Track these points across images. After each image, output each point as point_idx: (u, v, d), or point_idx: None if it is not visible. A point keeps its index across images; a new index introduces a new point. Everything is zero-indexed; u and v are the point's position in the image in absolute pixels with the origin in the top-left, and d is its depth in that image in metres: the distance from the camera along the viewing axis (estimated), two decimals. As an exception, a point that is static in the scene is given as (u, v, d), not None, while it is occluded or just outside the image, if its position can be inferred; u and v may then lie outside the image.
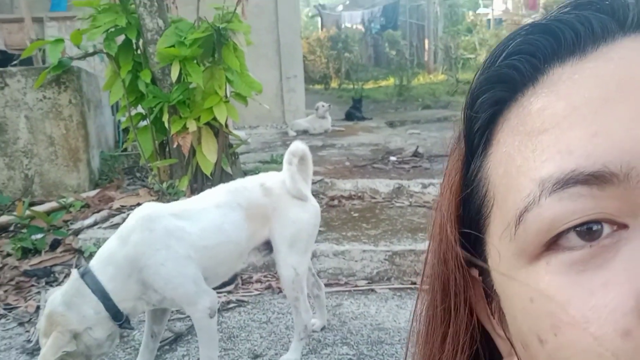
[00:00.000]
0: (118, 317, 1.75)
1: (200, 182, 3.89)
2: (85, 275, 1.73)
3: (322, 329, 2.36)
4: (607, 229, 0.27)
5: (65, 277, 2.75)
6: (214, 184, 3.20)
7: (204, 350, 1.88)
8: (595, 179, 0.27)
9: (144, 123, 4.11)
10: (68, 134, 4.22)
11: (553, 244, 0.29)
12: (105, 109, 5.12)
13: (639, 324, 0.24)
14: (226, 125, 4.06)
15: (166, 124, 3.86)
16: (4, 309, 2.56)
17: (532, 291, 0.29)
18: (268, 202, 2.02)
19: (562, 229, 0.28)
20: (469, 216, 0.37)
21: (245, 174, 3.87)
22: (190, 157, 3.91)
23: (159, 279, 1.76)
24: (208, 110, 3.81)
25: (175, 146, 3.89)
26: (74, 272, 1.77)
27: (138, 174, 4.59)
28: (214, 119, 3.81)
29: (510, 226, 0.31)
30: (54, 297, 1.71)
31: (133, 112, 4.05)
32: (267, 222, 2.02)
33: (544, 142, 0.30)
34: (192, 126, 3.79)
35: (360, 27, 17.47)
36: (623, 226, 0.27)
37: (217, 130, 3.96)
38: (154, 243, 1.78)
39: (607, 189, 0.27)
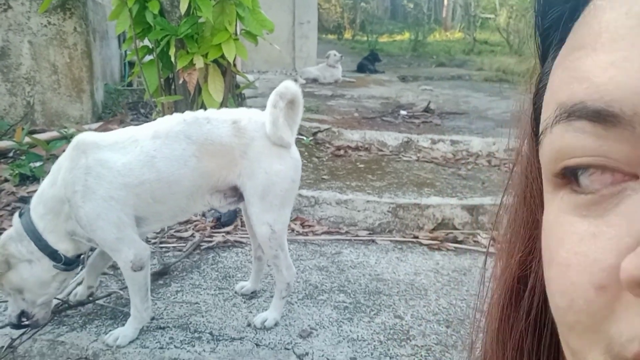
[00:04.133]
0: (55, 257, 1.71)
1: (204, 122, 3.79)
2: (23, 215, 1.73)
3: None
4: (611, 177, 0.25)
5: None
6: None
7: (132, 298, 1.78)
8: (597, 117, 0.24)
9: (150, 57, 3.99)
10: (72, 62, 4.10)
11: (571, 180, 0.27)
12: (111, 41, 4.98)
13: (614, 281, 0.23)
14: (234, 65, 3.93)
15: (172, 59, 3.73)
16: (-1, 233, 2.53)
17: (546, 220, 0.29)
18: (237, 143, 1.74)
19: (567, 164, 0.26)
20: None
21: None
22: (195, 94, 3.80)
23: (80, 219, 1.68)
24: (216, 47, 3.68)
25: (180, 82, 3.78)
26: (16, 212, 1.77)
27: (142, 110, 4.49)
28: (222, 56, 3.67)
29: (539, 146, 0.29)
30: (7, 231, 1.75)
31: (139, 45, 3.92)
32: (233, 165, 1.76)
33: (574, 62, 0.26)
34: (199, 62, 3.66)
35: (379, -23, 16.89)
36: (633, 176, 0.24)
37: (225, 69, 3.84)
38: (74, 183, 1.66)
39: (611, 131, 0.24)
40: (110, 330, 1.79)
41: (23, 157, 3.18)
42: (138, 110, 4.52)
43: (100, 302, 2.01)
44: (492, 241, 0.41)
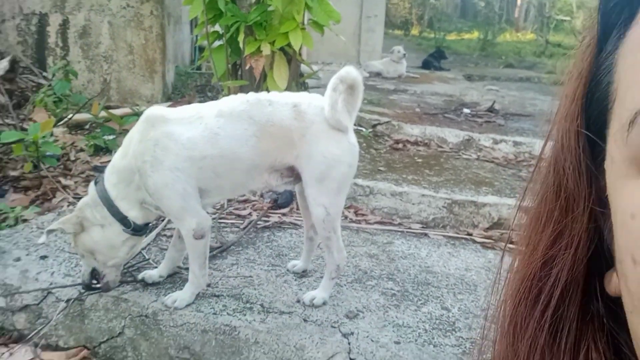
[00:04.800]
0: (126, 223, 1.82)
1: (267, 107, 3.89)
2: (98, 183, 1.85)
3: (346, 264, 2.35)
4: None
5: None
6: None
7: (191, 264, 1.87)
8: None
9: (219, 43, 4.12)
10: (147, 44, 4.30)
11: None
12: (184, 25, 5.17)
13: None
14: (300, 54, 4.00)
15: (241, 45, 3.85)
16: (74, 197, 2.72)
17: (635, 207, 0.26)
18: (296, 126, 1.80)
19: None
20: (593, 111, 0.32)
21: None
22: (261, 81, 3.90)
23: (148, 188, 1.78)
24: (283, 35, 3.76)
25: (247, 68, 3.88)
26: (92, 181, 1.91)
27: (209, 93, 4.65)
28: (289, 44, 3.76)
29: (624, 127, 0.26)
30: (84, 198, 1.89)
31: (210, 30, 4.06)
32: (291, 147, 1.81)
33: None
34: (266, 49, 3.76)
35: (450, -26, 16.59)
36: None
37: (291, 57, 3.91)
38: (143, 154, 1.76)
39: None
40: (169, 293, 1.90)
41: (98, 130, 3.38)
42: (205, 93, 4.68)
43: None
44: (508, 239, 0.39)
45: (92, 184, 1.89)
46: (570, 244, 0.33)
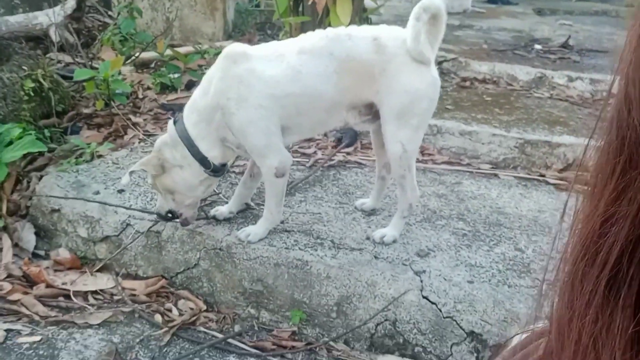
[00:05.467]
0: (205, 163, 1.82)
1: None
2: (177, 122, 1.84)
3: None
4: None
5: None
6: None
7: (267, 201, 1.89)
8: None
9: (280, -23, 4.00)
10: (207, -20, 4.23)
11: None
12: (243, -40, 5.05)
13: None
14: (363, -13, 3.84)
15: (303, -21, 3.72)
16: (144, 134, 2.78)
17: None
18: (377, 60, 1.73)
19: None
20: None
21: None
22: (323, 16, 3.78)
23: (232, 126, 1.77)
24: (347, -33, 3.60)
25: (309, 3, 3.77)
26: (170, 120, 1.89)
27: (269, 31, 4.57)
28: (352, -23, 3.59)
29: None
30: (162, 137, 1.89)
31: (271, -36, 3.94)
32: (371, 82, 1.76)
33: None
34: (329, -17, 3.62)
35: None
36: None
37: (354, -10, 3.76)
38: (227, 91, 1.74)
39: None
40: (241, 228, 1.94)
41: (163, 68, 3.41)
42: (265, 31, 4.61)
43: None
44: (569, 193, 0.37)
45: (170, 123, 1.88)
46: (633, 200, 0.30)
